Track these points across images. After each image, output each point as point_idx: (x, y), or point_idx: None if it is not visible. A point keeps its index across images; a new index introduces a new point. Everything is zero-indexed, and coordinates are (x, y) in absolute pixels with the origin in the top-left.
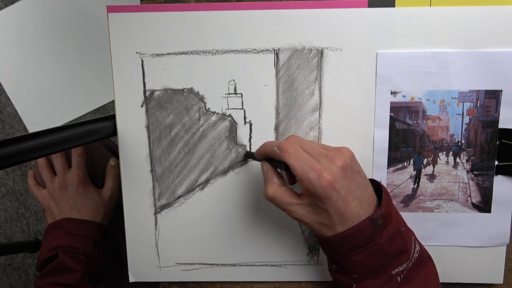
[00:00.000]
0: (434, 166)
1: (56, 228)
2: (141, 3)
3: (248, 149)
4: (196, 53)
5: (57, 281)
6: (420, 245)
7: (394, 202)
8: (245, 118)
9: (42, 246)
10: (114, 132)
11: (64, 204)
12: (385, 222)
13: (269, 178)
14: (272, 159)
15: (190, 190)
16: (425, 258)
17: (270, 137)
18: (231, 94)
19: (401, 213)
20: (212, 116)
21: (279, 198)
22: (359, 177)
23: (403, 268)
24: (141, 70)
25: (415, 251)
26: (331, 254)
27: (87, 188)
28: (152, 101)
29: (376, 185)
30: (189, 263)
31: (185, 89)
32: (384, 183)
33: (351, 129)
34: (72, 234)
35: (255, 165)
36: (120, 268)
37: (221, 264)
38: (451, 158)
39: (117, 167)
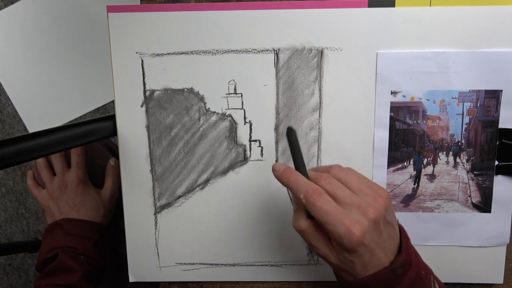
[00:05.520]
0: (434, 166)
1: (55, 228)
2: (141, 3)
3: (249, 149)
4: (196, 53)
5: (57, 282)
6: (438, 281)
7: (394, 202)
8: (245, 118)
9: (41, 246)
10: (114, 132)
11: (64, 204)
12: (405, 269)
13: (301, 210)
14: None
15: (190, 190)
16: None
17: (270, 137)
18: (231, 94)
19: (401, 213)
20: (212, 116)
21: (310, 233)
22: (389, 228)
23: None
24: (141, 70)
25: None
26: None
27: (87, 188)
28: (152, 101)
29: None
30: (189, 263)
31: (185, 89)
32: (384, 183)
33: (351, 129)
34: (71, 235)
35: (255, 165)
36: (120, 268)
37: (221, 264)
38: (451, 158)
39: (117, 167)
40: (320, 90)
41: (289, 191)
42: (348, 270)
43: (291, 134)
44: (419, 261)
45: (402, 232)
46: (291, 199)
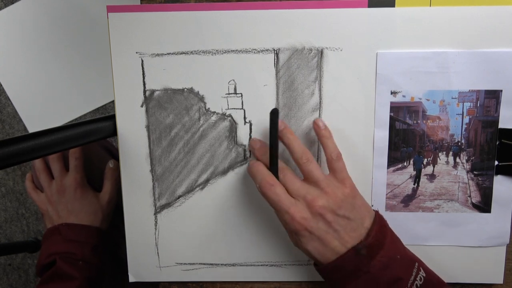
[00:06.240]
0: (434, 166)
1: (54, 233)
2: (141, 3)
3: (249, 149)
4: (196, 53)
5: None
6: (428, 273)
7: (393, 202)
8: (245, 118)
9: (41, 250)
10: (114, 132)
11: (62, 208)
12: (372, 252)
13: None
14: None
15: (190, 190)
16: (436, 286)
17: None
18: (231, 94)
19: (401, 213)
20: (212, 116)
21: None
22: (344, 221)
23: None
24: (141, 70)
25: (417, 279)
26: (326, 281)
27: (85, 192)
28: (152, 101)
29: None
30: (189, 263)
31: (185, 89)
32: (384, 183)
33: (351, 129)
34: (70, 240)
35: None
36: (120, 269)
37: (221, 264)
38: (451, 158)
39: (116, 169)
40: (320, 90)
41: None
42: (312, 258)
43: (273, 116)
44: (397, 247)
45: (377, 219)
46: None
